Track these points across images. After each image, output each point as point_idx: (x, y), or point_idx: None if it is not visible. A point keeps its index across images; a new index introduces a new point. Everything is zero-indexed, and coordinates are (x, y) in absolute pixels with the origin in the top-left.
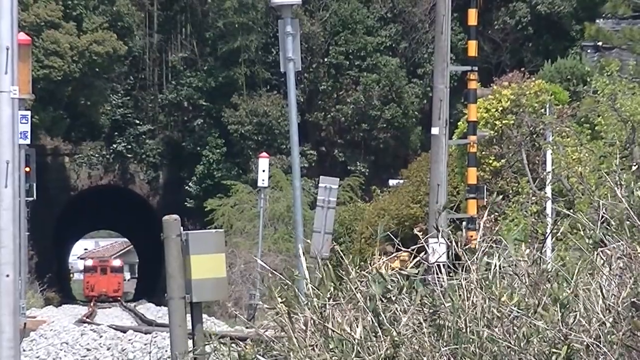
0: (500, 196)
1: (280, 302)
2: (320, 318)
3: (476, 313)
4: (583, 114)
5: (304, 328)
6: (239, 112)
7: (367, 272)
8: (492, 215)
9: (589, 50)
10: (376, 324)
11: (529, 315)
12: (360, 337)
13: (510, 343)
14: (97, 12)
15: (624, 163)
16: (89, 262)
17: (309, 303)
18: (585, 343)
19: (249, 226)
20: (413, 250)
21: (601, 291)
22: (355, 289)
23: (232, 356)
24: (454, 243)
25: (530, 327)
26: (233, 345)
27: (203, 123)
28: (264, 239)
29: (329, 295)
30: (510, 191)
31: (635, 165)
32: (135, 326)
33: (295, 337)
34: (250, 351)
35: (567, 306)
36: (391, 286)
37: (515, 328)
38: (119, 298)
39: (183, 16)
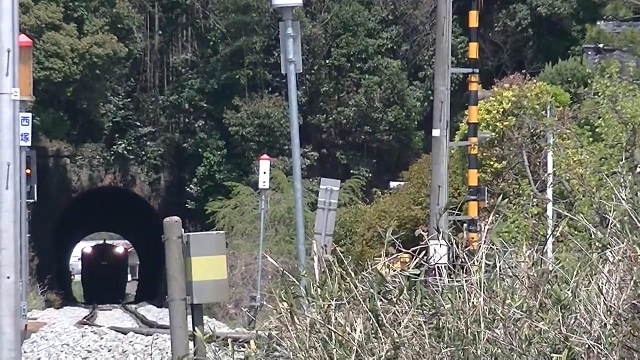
0: (506, 200)
1: (284, 301)
2: (324, 319)
3: (477, 315)
4: (584, 116)
5: (306, 329)
6: (240, 114)
7: (367, 274)
8: (493, 217)
9: (590, 53)
10: (377, 326)
11: (532, 316)
12: (361, 338)
13: (513, 344)
14: (98, 14)
15: (625, 165)
16: (88, 250)
17: (314, 304)
18: (586, 345)
19: (250, 228)
20: (414, 251)
21: (602, 293)
22: (356, 290)
23: (237, 358)
24: (454, 245)
25: (532, 328)
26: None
27: (204, 125)
28: (265, 241)
29: (332, 296)
30: (512, 193)
31: (637, 167)
32: (136, 328)
33: (298, 338)
34: (253, 352)
35: (568, 307)
36: (392, 287)
37: (517, 330)
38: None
39: (184, 18)
